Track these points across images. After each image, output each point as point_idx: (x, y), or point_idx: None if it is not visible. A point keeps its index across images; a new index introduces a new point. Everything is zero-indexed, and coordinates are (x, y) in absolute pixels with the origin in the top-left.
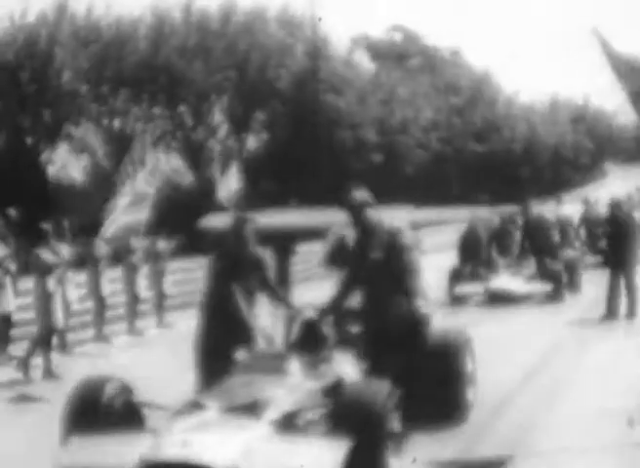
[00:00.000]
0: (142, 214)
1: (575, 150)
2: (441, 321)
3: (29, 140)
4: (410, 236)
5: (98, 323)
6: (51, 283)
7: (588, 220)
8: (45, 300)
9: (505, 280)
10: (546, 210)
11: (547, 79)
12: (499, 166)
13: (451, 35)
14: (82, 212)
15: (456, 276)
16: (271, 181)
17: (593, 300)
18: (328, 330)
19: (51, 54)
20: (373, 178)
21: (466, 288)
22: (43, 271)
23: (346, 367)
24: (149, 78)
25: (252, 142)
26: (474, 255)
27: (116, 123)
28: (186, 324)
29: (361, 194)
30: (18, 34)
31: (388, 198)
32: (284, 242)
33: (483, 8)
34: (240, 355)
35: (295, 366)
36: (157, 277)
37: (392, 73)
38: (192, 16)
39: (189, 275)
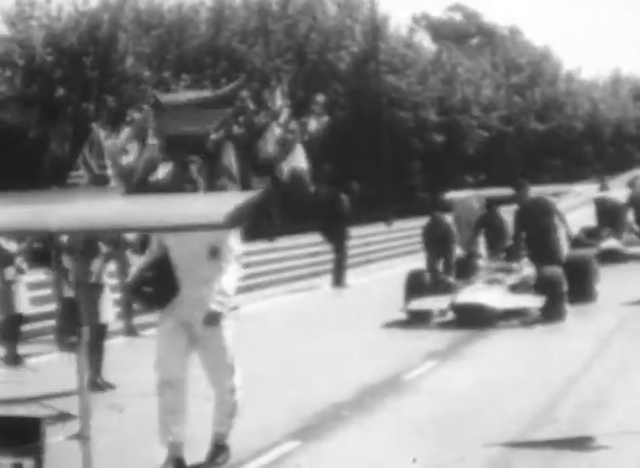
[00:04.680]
0: None
1: (638, 127)
2: None
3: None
4: None
5: (125, 314)
6: (10, 272)
7: (636, 204)
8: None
9: (480, 291)
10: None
11: (609, 55)
12: (560, 144)
13: (510, 12)
14: None
15: (413, 285)
16: (333, 164)
17: (615, 313)
18: None
19: (113, 39)
20: (434, 159)
21: (427, 301)
22: (2, 261)
23: None
24: (211, 63)
25: (313, 125)
26: (442, 255)
27: None
28: (250, 307)
29: None
30: (81, 19)
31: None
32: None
33: None
34: None
35: None
36: None
37: (453, 53)
38: None
39: (251, 258)
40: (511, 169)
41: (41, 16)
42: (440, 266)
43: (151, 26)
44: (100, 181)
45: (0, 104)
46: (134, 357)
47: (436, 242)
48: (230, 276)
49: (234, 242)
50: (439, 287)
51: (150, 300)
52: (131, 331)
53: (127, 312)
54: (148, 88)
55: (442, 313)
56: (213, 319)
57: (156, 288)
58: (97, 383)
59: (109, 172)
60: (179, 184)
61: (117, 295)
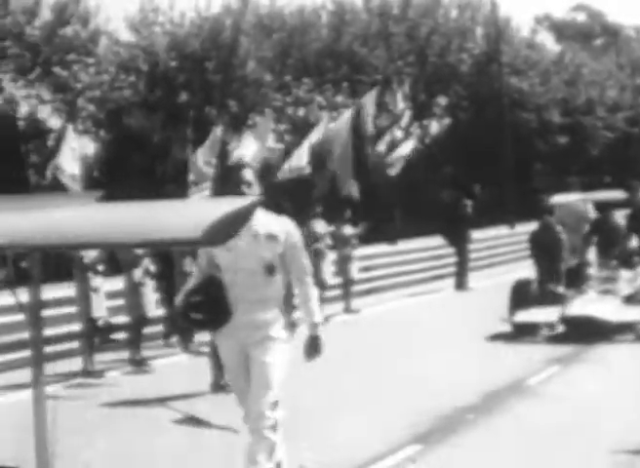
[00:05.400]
0: None
1: None
2: None
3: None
4: None
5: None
6: (138, 274)
7: None
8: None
9: (593, 302)
10: None
11: None
12: None
13: (636, 11)
14: None
15: (519, 295)
16: (455, 166)
17: None
18: None
19: (235, 43)
20: (558, 160)
21: (534, 313)
22: (130, 263)
23: None
24: (332, 66)
25: (434, 128)
26: (551, 264)
27: (300, 112)
28: (372, 310)
29: None
30: (203, 25)
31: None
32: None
33: None
34: None
35: None
36: (344, 263)
37: (576, 53)
38: (373, 1)
39: (373, 261)
40: (637, 170)
41: (164, 22)
42: (549, 275)
43: (273, 31)
44: (201, 178)
45: (124, 110)
46: None
47: (545, 249)
48: (314, 299)
49: (303, 257)
50: (547, 297)
51: (201, 327)
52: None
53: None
54: (270, 92)
55: (550, 326)
56: (315, 346)
57: (207, 313)
58: (220, 385)
59: (211, 170)
60: (234, 187)
61: None
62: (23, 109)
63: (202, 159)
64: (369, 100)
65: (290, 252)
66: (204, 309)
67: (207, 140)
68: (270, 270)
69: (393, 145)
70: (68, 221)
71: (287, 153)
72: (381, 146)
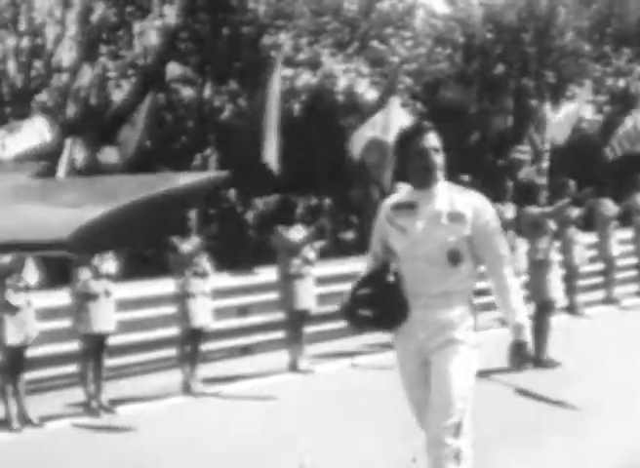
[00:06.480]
0: None
1: None
2: None
3: (534, 103)
4: None
5: (607, 285)
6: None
7: None
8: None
9: None
10: None
11: None
12: None
13: None
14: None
15: None
16: None
17: None
18: None
19: (553, 14)
20: None
21: None
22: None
23: None
24: None
25: None
26: None
27: (620, 83)
28: None
29: None
30: None
31: None
32: None
33: None
34: None
35: None
36: None
37: None
38: None
39: None
40: None
41: None
42: None
43: (591, 0)
44: (540, 157)
45: (441, 82)
46: (566, 337)
47: None
48: (515, 294)
49: (498, 241)
50: None
51: (371, 326)
52: (574, 309)
53: (570, 289)
54: (588, 62)
55: None
56: (521, 353)
57: (378, 309)
58: (540, 360)
59: (547, 146)
60: (420, 152)
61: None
62: (342, 83)
63: (538, 141)
64: None
65: (480, 234)
66: (375, 304)
67: (534, 119)
68: (455, 258)
69: None
70: None
71: (606, 124)
72: None
